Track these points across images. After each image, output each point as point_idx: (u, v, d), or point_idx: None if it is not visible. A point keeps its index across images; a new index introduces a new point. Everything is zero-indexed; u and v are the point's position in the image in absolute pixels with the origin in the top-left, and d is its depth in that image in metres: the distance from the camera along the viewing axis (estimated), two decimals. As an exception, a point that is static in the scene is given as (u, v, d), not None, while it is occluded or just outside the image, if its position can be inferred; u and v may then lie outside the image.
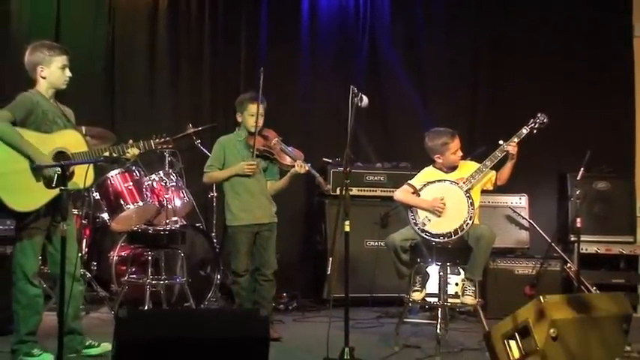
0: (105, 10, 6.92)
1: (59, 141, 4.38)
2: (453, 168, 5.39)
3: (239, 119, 5.37)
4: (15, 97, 4.35)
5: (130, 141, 4.60)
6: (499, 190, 5.57)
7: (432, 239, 5.06)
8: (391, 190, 5.67)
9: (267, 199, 5.38)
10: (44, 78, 4.43)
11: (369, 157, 7.04)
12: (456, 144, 5.34)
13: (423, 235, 5.08)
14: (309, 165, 5.27)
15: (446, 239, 5.04)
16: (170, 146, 4.99)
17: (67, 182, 4.06)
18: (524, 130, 5.30)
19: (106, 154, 4.46)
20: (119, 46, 6.97)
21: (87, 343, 4.60)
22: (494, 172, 5.35)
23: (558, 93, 7.39)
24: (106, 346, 4.54)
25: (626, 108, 7.61)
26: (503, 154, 5.22)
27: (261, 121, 5.29)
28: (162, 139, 4.82)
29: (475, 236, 5.06)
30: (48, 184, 4.24)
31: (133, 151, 4.56)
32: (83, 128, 5.05)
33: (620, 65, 7.64)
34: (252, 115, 5.26)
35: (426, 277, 5.33)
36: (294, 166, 5.26)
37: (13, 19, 6.62)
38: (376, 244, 6.54)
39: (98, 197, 5.92)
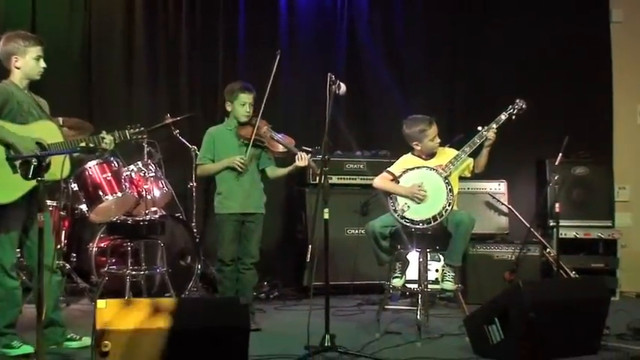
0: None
1: (36, 131, 4.32)
2: (431, 155, 5.39)
3: (228, 108, 5.33)
4: None
5: (104, 132, 4.56)
6: (478, 176, 5.58)
7: (412, 226, 5.06)
8: (371, 178, 5.65)
9: (257, 189, 5.36)
10: (18, 68, 4.38)
11: (350, 145, 7.03)
12: (433, 130, 5.34)
13: (403, 221, 5.08)
14: (310, 156, 5.26)
15: (425, 225, 5.04)
16: (145, 136, 4.97)
17: (44, 173, 4.01)
18: (503, 116, 5.31)
19: (82, 144, 4.41)
20: (96, 36, 6.88)
21: (68, 336, 4.55)
22: (472, 159, 5.35)
23: (536, 80, 7.37)
24: (87, 340, 4.49)
25: (603, 94, 7.63)
26: (482, 140, 5.22)
27: (251, 111, 5.28)
28: (137, 129, 4.81)
29: (454, 222, 5.06)
30: (25, 175, 4.19)
31: (108, 142, 4.51)
32: (60, 119, 5.01)
33: (597, 52, 7.65)
34: (242, 104, 5.24)
35: (405, 263, 5.34)
36: (284, 152, 5.30)
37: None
38: (357, 231, 6.52)
39: (76, 189, 5.90)
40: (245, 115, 5.27)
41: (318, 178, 4.68)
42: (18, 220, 4.30)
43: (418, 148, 5.38)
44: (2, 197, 4.19)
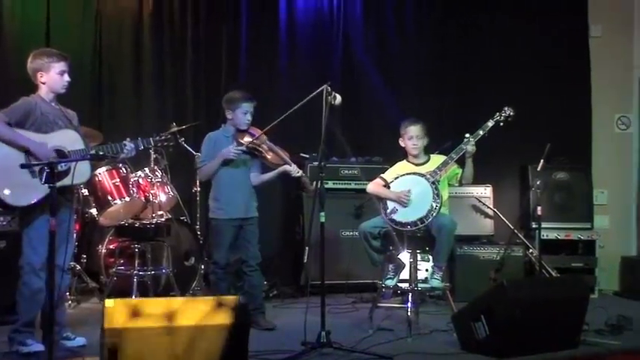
0: (92, 14, 6.80)
1: (57, 140, 4.33)
2: (423, 161, 5.39)
3: (229, 117, 5.26)
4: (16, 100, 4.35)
5: (127, 139, 4.55)
6: (465, 181, 5.58)
7: (400, 228, 5.06)
8: (365, 182, 5.65)
9: (250, 195, 5.30)
10: (44, 83, 4.41)
11: (345, 152, 7.02)
12: (412, 130, 5.35)
13: (392, 223, 5.08)
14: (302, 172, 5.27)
15: (412, 228, 5.04)
16: (172, 143, 4.95)
17: (56, 179, 3.97)
18: (490, 123, 5.29)
19: (92, 151, 4.41)
20: (106, 49, 6.86)
21: (64, 334, 4.50)
22: (461, 170, 5.33)
23: (520, 90, 7.33)
24: (81, 340, 4.50)
25: (583, 104, 7.61)
26: (466, 147, 5.20)
27: (251, 119, 5.25)
28: (163, 137, 4.82)
29: (437, 226, 5.06)
30: (42, 180, 4.16)
31: (129, 149, 4.50)
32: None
33: (577, 64, 7.64)
34: (245, 113, 5.20)
35: (400, 267, 5.31)
36: (279, 163, 5.24)
37: (4, 23, 6.50)
38: (351, 233, 6.49)
39: (87, 193, 5.88)
40: (246, 123, 5.23)
41: (315, 183, 4.65)
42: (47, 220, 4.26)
43: (402, 144, 5.42)
44: (22, 200, 4.19)
